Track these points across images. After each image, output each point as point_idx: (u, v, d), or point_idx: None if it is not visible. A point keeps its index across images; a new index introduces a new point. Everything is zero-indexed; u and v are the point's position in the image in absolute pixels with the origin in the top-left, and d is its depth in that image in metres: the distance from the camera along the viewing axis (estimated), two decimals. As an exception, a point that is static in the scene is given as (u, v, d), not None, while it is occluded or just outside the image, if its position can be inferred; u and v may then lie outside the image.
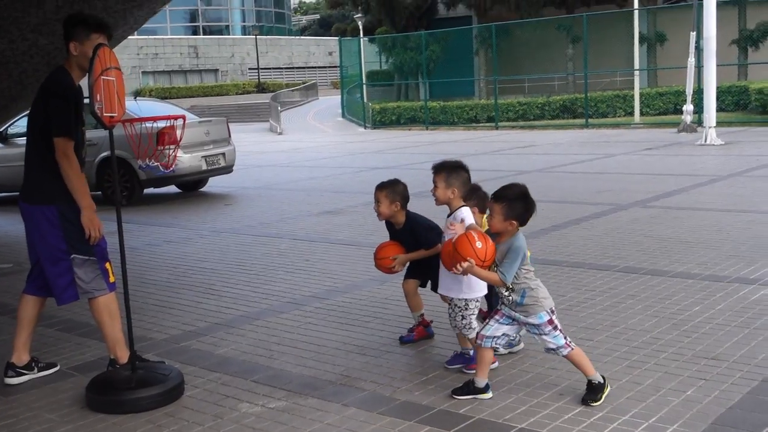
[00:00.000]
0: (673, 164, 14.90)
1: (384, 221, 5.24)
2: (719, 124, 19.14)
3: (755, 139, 19.24)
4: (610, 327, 5.31)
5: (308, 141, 28.05)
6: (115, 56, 4.43)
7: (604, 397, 4.07)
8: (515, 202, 4.04)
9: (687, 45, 22.72)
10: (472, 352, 4.66)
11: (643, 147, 18.64)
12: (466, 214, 4.55)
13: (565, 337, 4.10)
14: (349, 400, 4.28)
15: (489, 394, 4.20)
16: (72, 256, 4.56)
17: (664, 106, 28.98)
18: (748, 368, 4.44)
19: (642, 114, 27.74)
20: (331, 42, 73.67)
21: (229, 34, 76.89)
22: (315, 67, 75.10)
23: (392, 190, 5.02)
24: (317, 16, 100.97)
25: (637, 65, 28.76)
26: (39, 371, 4.93)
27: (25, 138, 13.83)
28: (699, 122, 22.16)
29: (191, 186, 14.37)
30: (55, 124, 4.45)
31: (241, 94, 59.89)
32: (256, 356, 5.09)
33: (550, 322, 4.07)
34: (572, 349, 4.10)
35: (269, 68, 69.96)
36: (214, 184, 14.93)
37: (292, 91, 54.27)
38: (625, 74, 34.93)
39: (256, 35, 67.30)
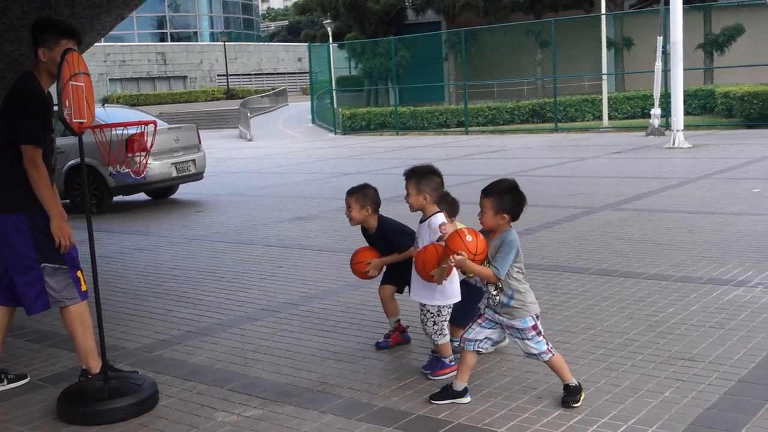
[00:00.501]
0: (643, 167, 15.01)
1: (359, 227, 5.20)
2: (686, 127, 19.32)
3: (722, 142, 19.46)
4: (586, 329, 5.31)
5: (278, 147, 27.94)
6: (84, 61, 4.36)
7: (582, 399, 4.06)
8: (505, 195, 4.02)
9: (653, 49, 22.96)
10: (447, 360, 4.64)
11: (612, 150, 18.78)
12: (441, 219, 4.53)
13: (547, 343, 4.09)
14: (327, 407, 4.24)
15: (467, 399, 4.17)
16: (42, 264, 4.47)
17: (632, 110, 29.25)
18: (724, 369, 4.45)
19: (610, 118, 27.96)
20: (300, 48, 73.51)
21: (197, 41, 76.45)
22: (284, 74, 74.87)
23: (362, 194, 4.99)
24: (286, 23, 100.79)
25: (605, 70, 28.99)
26: (9, 383, 4.83)
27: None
28: (667, 126, 22.39)
29: (161, 193, 14.24)
30: (22, 131, 4.36)
31: (210, 100, 59.57)
32: (231, 364, 5.03)
33: (535, 327, 4.05)
34: (553, 355, 4.08)
35: (238, 75, 69.66)
36: (184, 191, 14.80)
37: (262, 97, 54.05)
38: (593, 79, 35.20)
39: (224, 42, 66.97)
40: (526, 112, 30.88)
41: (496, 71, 36.41)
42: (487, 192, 4.04)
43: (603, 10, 28.58)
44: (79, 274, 4.63)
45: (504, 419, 3.95)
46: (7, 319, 4.76)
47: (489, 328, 4.13)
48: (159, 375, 4.84)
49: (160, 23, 76.66)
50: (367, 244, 5.20)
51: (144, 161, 4.57)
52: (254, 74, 72.54)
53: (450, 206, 4.71)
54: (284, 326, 5.82)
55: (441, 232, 4.21)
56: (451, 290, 4.54)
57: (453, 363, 4.61)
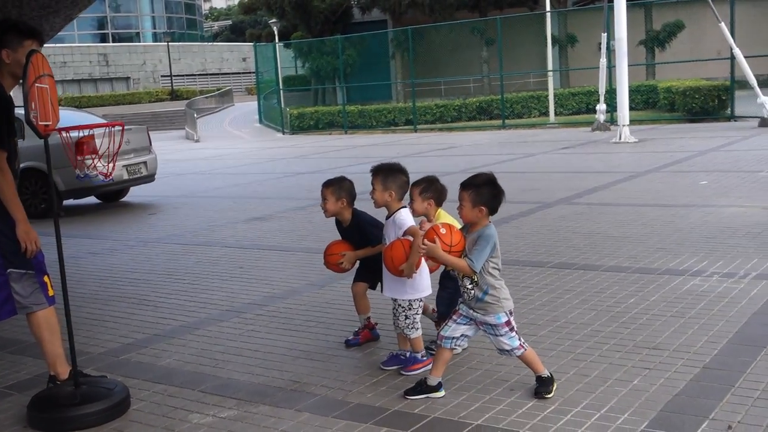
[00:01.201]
0: (592, 162, 15.26)
1: (334, 221, 5.22)
2: (631, 122, 19.67)
3: (666, 136, 19.86)
4: (551, 322, 5.40)
5: (227, 148, 27.75)
6: (48, 63, 4.31)
7: (554, 389, 4.13)
8: (482, 188, 4.07)
9: (596, 46, 23.37)
10: (408, 354, 4.69)
11: (560, 146, 19.03)
12: (405, 215, 4.59)
13: (519, 339, 4.15)
14: (302, 405, 4.25)
15: (441, 393, 4.22)
16: (8, 270, 4.39)
17: (577, 106, 29.69)
18: (689, 356, 4.57)
19: (556, 114, 28.34)
20: (245, 48, 73.09)
21: (139, 41, 75.48)
22: (229, 74, 74.35)
23: (339, 186, 5.01)
24: (229, 22, 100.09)
25: (550, 67, 29.36)
26: (-26, 391, 4.74)
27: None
28: (612, 121, 22.77)
29: (112, 196, 14.05)
30: None
31: (154, 101, 58.92)
32: (201, 366, 5.01)
33: (508, 323, 4.11)
34: (526, 349, 4.15)
35: (182, 75, 68.97)
36: (135, 194, 14.62)
37: (207, 97, 53.59)
38: (538, 75, 35.64)
39: (168, 42, 66.25)
40: (473, 109, 31.12)
41: (443, 69, 36.65)
42: (465, 185, 4.10)
43: (548, 7, 28.95)
44: (45, 278, 4.57)
45: (479, 412, 4.00)
46: None
47: (464, 324, 4.17)
48: (128, 379, 4.79)
49: (101, 24, 75.54)
50: (340, 238, 5.20)
51: (112, 163, 4.51)
52: (199, 75, 71.91)
53: (438, 193, 4.76)
54: (251, 327, 5.81)
55: (422, 229, 4.25)
56: (421, 284, 4.58)
57: (425, 358, 4.65)
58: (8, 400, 4.68)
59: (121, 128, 4.57)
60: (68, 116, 12.68)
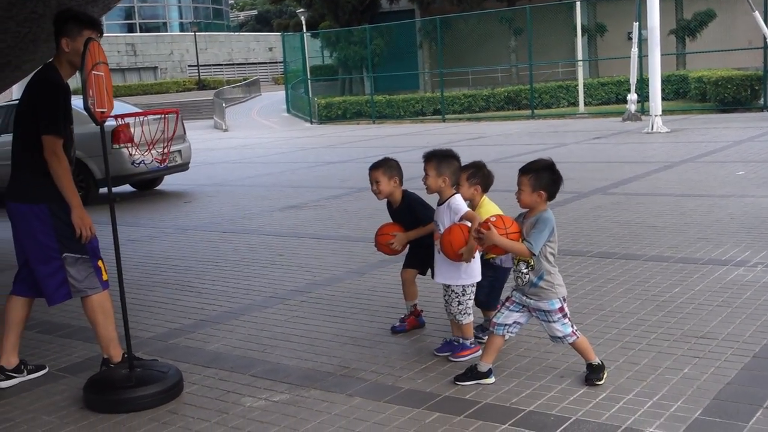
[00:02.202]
0: (625, 152, 15.18)
1: (385, 204, 5.23)
2: (662, 112, 19.52)
3: (698, 126, 19.71)
4: (596, 310, 5.41)
5: (256, 137, 27.86)
6: (103, 51, 4.37)
7: (605, 377, 4.15)
8: (542, 173, 4.09)
9: (626, 35, 23.17)
10: (462, 341, 4.71)
11: (591, 136, 18.95)
12: (460, 201, 4.61)
13: (572, 326, 4.16)
14: (353, 390, 4.29)
15: (491, 379, 4.25)
16: (64, 255, 4.48)
17: (607, 96, 29.48)
18: (738, 345, 4.56)
19: (585, 104, 28.17)
20: (271, 37, 73.24)
21: (166, 31, 75.83)
22: (255, 63, 74.51)
23: (387, 166, 5.05)
24: (255, 12, 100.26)
25: (579, 56, 29.18)
26: (28, 374, 4.83)
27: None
28: (643, 111, 22.64)
29: (147, 184, 14.18)
30: (44, 121, 4.36)
31: (181, 91, 59.21)
32: (250, 351, 5.07)
33: (561, 309, 4.12)
34: (578, 337, 4.16)
35: (209, 65, 69.23)
36: (169, 182, 14.75)
37: (234, 87, 53.78)
38: (567, 65, 35.42)
39: (195, 32, 66.52)
40: (502, 99, 31.01)
41: (471, 59, 36.52)
42: (524, 170, 4.12)
43: (577, -4, 28.73)
44: (100, 263, 4.65)
45: (531, 398, 4.02)
46: (26, 310, 4.76)
47: (517, 311, 4.19)
48: (178, 363, 4.85)
49: (129, 14, 75.92)
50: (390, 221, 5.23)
51: (167, 150, 4.57)
52: (225, 64, 72.13)
53: (485, 179, 4.80)
54: (295, 313, 5.86)
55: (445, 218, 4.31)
56: (475, 269, 4.61)
57: (474, 345, 4.68)
58: (62, 382, 4.77)
59: (176, 115, 4.63)
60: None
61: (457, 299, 4.62)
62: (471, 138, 21.05)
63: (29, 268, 4.62)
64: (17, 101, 4.70)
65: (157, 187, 14.43)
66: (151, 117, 4.70)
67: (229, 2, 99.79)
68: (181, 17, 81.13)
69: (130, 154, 4.42)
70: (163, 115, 4.48)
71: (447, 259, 4.53)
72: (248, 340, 5.28)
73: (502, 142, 19.28)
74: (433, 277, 4.85)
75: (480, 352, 4.62)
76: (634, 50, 22.53)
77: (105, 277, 4.64)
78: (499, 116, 29.08)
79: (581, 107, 27.65)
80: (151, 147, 4.55)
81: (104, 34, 4.76)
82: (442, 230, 4.55)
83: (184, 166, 13.93)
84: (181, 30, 76.71)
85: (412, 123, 30.12)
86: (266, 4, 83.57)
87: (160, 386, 4.31)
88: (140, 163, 4.51)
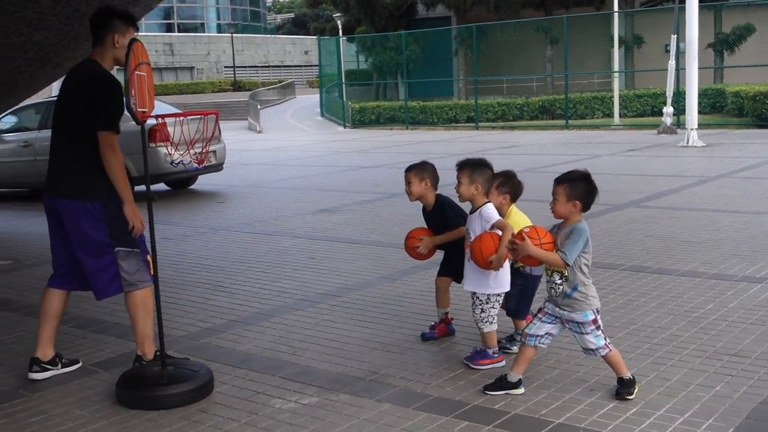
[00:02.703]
0: (659, 165, 15.07)
1: (421, 208, 5.25)
2: (698, 126, 19.36)
3: (735, 141, 19.51)
4: (628, 324, 5.38)
5: (289, 140, 28.01)
6: (146, 51, 4.43)
7: (636, 392, 4.13)
8: (577, 183, 4.09)
9: (663, 48, 23.01)
10: (483, 348, 4.71)
11: (626, 148, 18.83)
12: (492, 209, 4.61)
13: (605, 338, 4.15)
14: (382, 395, 4.31)
15: (521, 390, 4.24)
16: (116, 249, 4.55)
17: (642, 108, 29.30)
18: (771, 364, 4.52)
19: (620, 116, 28.00)
20: (307, 41, 73.60)
21: (204, 32, 76.48)
22: (291, 66, 74.90)
23: (421, 168, 5.08)
24: (292, 15, 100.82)
25: (616, 67, 29.03)
26: (63, 367, 4.89)
27: (12, 133, 13.49)
28: (678, 124, 22.46)
29: (181, 183, 14.31)
30: (102, 117, 4.44)
31: (217, 92, 59.64)
32: (280, 353, 5.10)
33: (594, 321, 4.11)
34: (611, 350, 4.14)
35: (245, 66, 69.69)
36: (203, 182, 14.88)
37: (269, 89, 54.10)
38: (602, 76, 35.26)
39: (232, 33, 67.00)
40: (536, 108, 30.93)
41: (506, 67, 36.50)
42: (559, 180, 4.13)
43: (615, 7, 28.58)
44: (148, 258, 4.73)
45: (560, 410, 4.01)
46: (63, 303, 4.84)
47: (549, 323, 4.18)
48: (209, 362, 4.89)
49: (168, 13, 76.71)
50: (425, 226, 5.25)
51: (205, 150, 4.62)
52: (261, 66, 72.56)
53: (514, 189, 4.81)
54: (326, 316, 5.89)
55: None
56: (504, 279, 4.61)
57: (496, 355, 4.68)
58: (95, 377, 4.83)
59: (215, 116, 4.68)
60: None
61: (480, 306, 4.62)
62: (504, 147, 21.00)
63: (72, 263, 4.69)
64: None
65: (191, 187, 14.56)
66: (189, 117, 4.74)
67: (267, 5, 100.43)
68: (218, 18, 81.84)
69: (169, 154, 4.47)
70: (202, 116, 4.52)
71: (476, 267, 4.54)
72: (278, 342, 5.32)
73: (535, 151, 19.22)
74: (462, 283, 4.86)
75: (503, 362, 4.63)
76: (672, 63, 22.39)
77: (152, 272, 4.71)
78: (532, 125, 28.99)
79: (616, 119, 27.48)
80: (190, 147, 4.60)
81: (142, 33, 4.85)
82: (473, 238, 4.56)
83: (218, 167, 14.03)
84: (219, 31, 77.36)
85: (445, 130, 30.12)
86: (303, 8, 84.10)
87: (191, 385, 4.36)
88: (179, 162, 4.55)
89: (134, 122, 4.31)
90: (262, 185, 14.57)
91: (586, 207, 4.13)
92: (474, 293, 4.68)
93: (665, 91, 23.09)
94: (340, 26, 42.11)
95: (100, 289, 4.64)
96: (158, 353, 4.74)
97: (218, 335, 5.56)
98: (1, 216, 11.86)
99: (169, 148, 4.72)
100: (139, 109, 4.26)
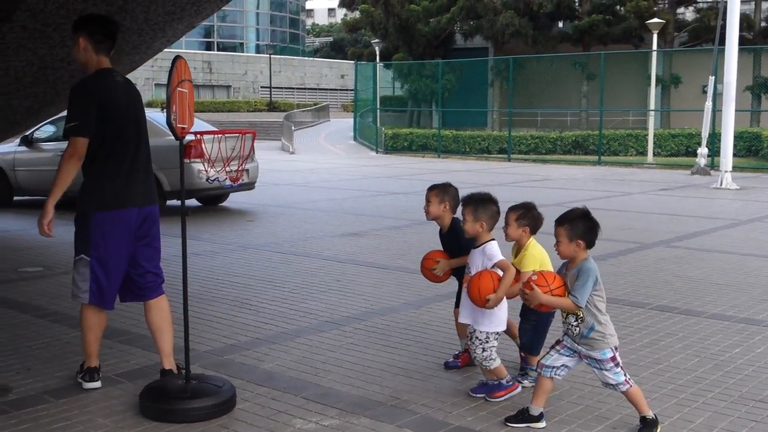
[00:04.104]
0: (692, 206, 14.97)
1: (438, 231, 5.27)
2: (732, 168, 19.21)
3: (770, 185, 19.35)
4: (653, 364, 5.34)
5: (321, 162, 28.16)
6: (189, 68, 4.51)
7: None
8: (577, 221, 4.11)
9: (700, 88, 22.94)
10: (497, 381, 4.68)
11: (658, 187, 18.74)
12: (495, 248, 4.60)
13: (625, 374, 4.13)
14: (403, 421, 4.31)
15: (543, 424, 4.23)
16: None
17: (676, 148, 29.16)
18: (797, 413, 4.47)
19: (654, 154, 27.89)
20: (344, 65, 74.14)
21: (243, 52, 77.34)
22: (326, 89, 75.44)
23: (442, 190, 5.09)
24: (330, 39, 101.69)
25: (652, 106, 28.94)
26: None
27: (50, 142, 13.68)
28: (712, 166, 22.32)
29: (212, 200, 14.44)
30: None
31: (252, 111, 60.11)
32: (303, 373, 5.12)
33: (613, 359, 4.10)
34: (631, 386, 4.13)
35: (281, 87, 70.28)
36: (233, 200, 14.99)
37: (304, 111, 54.49)
38: (637, 114, 35.17)
39: (270, 54, 67.67)
40: (569, 143, 30.88)
41: (541, 100, 36.52)
42: (559, 221, 4.17)
43: (654, 46, 28.54)
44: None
45: (580, 446, 4.00)
46: (105, 315, 4.90)
47: (567, 356, 4.18)
48: (232, 378, 4.92)
49: (208, 32, 77.77)
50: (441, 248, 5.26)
51: (240, 168, 4.69)
52: (297, 88, 73.14)
53: (534, 221, 4.79)
54: (350, 339, 5.91)
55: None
56: (500, 317, 4.60)
57: (510, 384, 4.66)
58: (119, 387, 4.88)
59: (252, 136, 4.75)
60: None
61: (481, 346, 4.59)
62: (536, 180, 20.97)
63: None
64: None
65: (221, 204, 14.68)
66: (227, 135, 4.82)
67: (306, 28, 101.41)
68: (258, 39, 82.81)
69: (205, 171, 4.53)
70: (240, 135, 4.59)
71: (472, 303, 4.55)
72: (302, 363, 5.34)
73: (567, 186, 19.18)
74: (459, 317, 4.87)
75: (519, 389, 4.62)
76: (708, 104, 22.28)
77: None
78: (565, 160, 28.94)
79: (650, 157, 27.38)
80: (226, 165, 4.66)
81: (182, 50, 4.94)
82: (473, 273, 4.56)
83: (250, 185, 14.15)
84: (257, 51, 78.22)
85: (477, 160, 30.14)
86: (342, 32, 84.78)
87: (214, 400, 4.39)
88: (215, 179, 4.61)
89: (173, 137, 4.38)
90: (292, 206, 14.66)
91: (589, 245, 4.14)
92: (473, 331, 4.64)
93: (700, 132, 22.97)
94: (377, 52, 42.42)
95: (150, 289, 4.84)
96: (179, 367, 4.80)
97: (242, 352, 5.60)
98: (35, 224, 11.99)
99: (205, 164, 4.74)
100: (178, 125, 4.33)
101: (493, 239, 4.64)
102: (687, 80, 34.30)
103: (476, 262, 4.64)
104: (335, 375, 5.09)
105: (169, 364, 4.79)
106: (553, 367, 4.20)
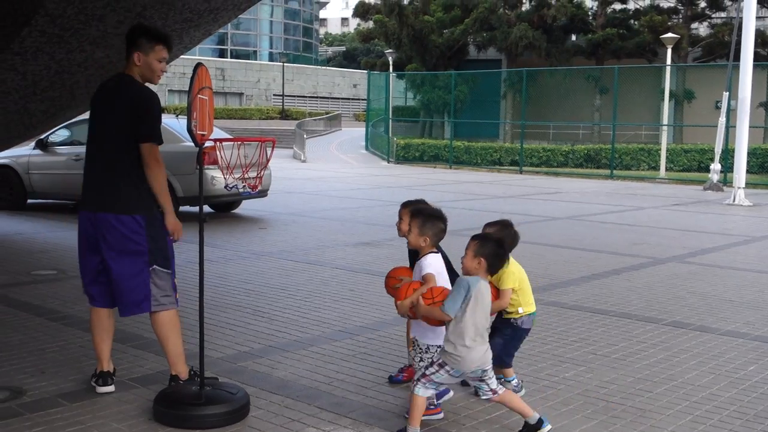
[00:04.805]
0: (704, 222, 14.92)
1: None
2: (745, 185, 19.15)
3: (783, 202, 19.27)
4: (667, 380, 5.31)
5: (333, 171, 28.20)
6: (210, 76, 4.53)
7: None
8: (488, 243, 4.16)
9: (713, 104, 22.90)
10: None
11: (671, 202, 18.69)
12: (430, 261, 4.55)
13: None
14: (416, 433, 4.29)
15: (548, 426, 4.22)
16: (153, 267, 4.62)
17: (689, 163, 29.10)
18: (814, 432, 4.44)
19: (666, 169, 27.83)
20: (357, 74, 74.29)
21: (256, 59, 77.59)
22: (338, 98, 75.58)
23: (416, 209, 5.03)
24: (343, 48, 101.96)
25: (665, 121, 28.89)
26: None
27: (65, 146, 13.67)
28: (725, 182, 22.25)
29: (224, 207, 14.47)
30: (144, 128, 4.54)
31: (264, 119, 60.24)
32: (316, 382, 5.12)
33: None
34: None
35: (293, 96, 70.45)
36: (245, 207, 15.02)
37: (316, 120, 54.60)
38: (650, 128, 35.11)
39: (283, 62, 67.88)
40: (581, 156, 30.85)
41: (553, 113, 36.50)
42: (474, 236, 4.26)
43: (668, 61, 28.51)
44: (175, 281, 4.79)
45: (595, 462, 3.97)
46: (113, 319, 4.90)
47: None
48: (246, 386, 4.92)
49: (222, 39, 78.05)
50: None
51: (260, 176, 4.70)
52: (309, 97, 73.31)
53: (510, 239, 4.77)
54: (363, 349, 5.90)
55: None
56: (442, 331, 4.51)
57: (433, 407, 4.57)
58: (133, 392, 4.88)
59: (272, 143, 4.77)
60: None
61: (419, 354, 4.57)
62: (547, 192, 20.94)
63: (107, 279, 4.72)
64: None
65: (233, 211, 14.71)
66: (246, 143, 4.83)
67: (319, 37, 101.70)
68: (271, 47, 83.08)
69: (224, 178, 4.54)
70: (259, 143, 4.60)
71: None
72: (315, 371, 5.34)
73: (578, 199, 19.14)
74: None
75: (440, 415, 4.54)
76: (722, 120, 22.24)
77: (177, 295, 4.79)
78: (576, 173, 28.91)
79: (662, 172, 27.32)
80: (245, 172, 4.68)
81: (196, 57, 4.95)
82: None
83: (263, 193, 14.17)
84: (270, 59, 78.44)
85: (489, 172, 30.13)
86: (355, 42, 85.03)
87: (227, 407, 4.39)
88: (233, 187, 4.62)
89: (193, 143, 4.39)
90: (304, 214, 14.68)
91: (490, 266, 4.16)
92: (416, 341, 4.62)
93: (713, 148, 22.94)
94: (390, 62, 42.50)
95: (129, 305, 4.68)
96: (192, 372, 4.80)
97: (255, 360, 5.60)
98: (48, 227, 12.08)
99: (224, 172, 4.75)
100: (198, 132, 4.35)
101: (432, 251, 4.60)
102: (700, 95, 34.25)
103: (415, 273, 4.64)
104: (349, 384, 5.08)
105: (174, 369, 4.80)
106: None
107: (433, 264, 4.53)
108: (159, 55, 4.67)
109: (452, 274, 4.85)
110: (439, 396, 4.63)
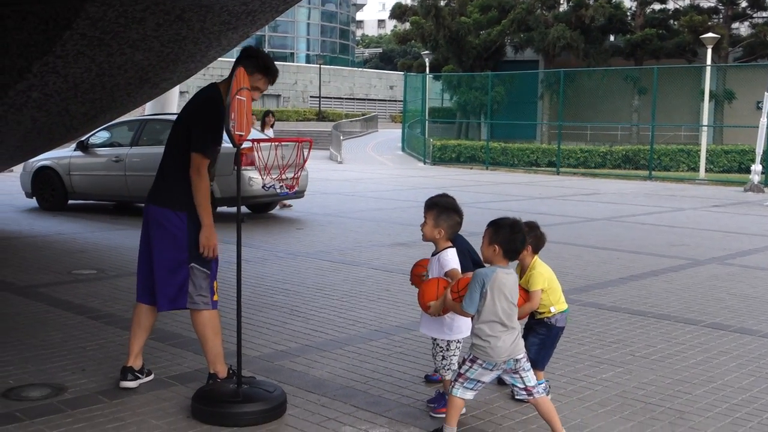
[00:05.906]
0: (744, 223, 14.72)
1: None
2: (786, 186, 18.90)
3: (826, 204, 18.94)
4: (706, 382, 5.26)
5: (369, 172, 28.25)
6: (248, 78, 4.57)
7: None
8: (502, 229, 4.11)
9: (755, 104, 22.59)
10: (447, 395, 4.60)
11: (710, 203, 18.47)
12: (451, 256, 4.56)
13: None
14: (452, 432, 4.30)
15: (593, 439, 4.19)
16: (191, 264, 4.69)
17: (729, 164, 28.74)
18: None
19: (706, 170, 27.50)
20: (393, 76, 74.38)
21: (293, 61, 78.00)
22: (375, 100, 75.73)
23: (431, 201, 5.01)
24: (379, 50, 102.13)
25: (705, 121, 28.55)
26: (145, 376, 5.03)
27: (105, 148, 13.88)
28: (766, 183, 21.94)
29: (261, 207, 14.57)
30: (195, 139, 4.63)
31: (301, 120, 60.56)
32: (352, 381, 5.14)
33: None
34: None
35: (330, 97, 70.73)
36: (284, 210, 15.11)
37: (353, 121, 54.76)
38: (689, 129, 34.72)
39: (320, 64, 68.16)
40: (619, 157, 30.60)
41: (591, 114, 36.24)
42: (489, 224, 4.20)
43: (708, 61, 28.17)
44: (215, 284, 4.84)
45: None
46: (152, 318, 4.97)
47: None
48: (282, 384, 4.96)
49: (259, 41, 78.67)
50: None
51: (296, 176, 4.74)
52: (346, 98, 73.54)
53: (536, 240, 4.76)
54: (399, 349, 5.92)
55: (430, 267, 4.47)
56: (460, 325, 4.56)
57: (435, 405, 4.59)
58: (171, 389, 4.94)
59: (309, 143, 4.80)
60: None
61: (441, 353, 4.59)
62: (584, 194, 20.80)
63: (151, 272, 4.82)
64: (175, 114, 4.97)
65: (270, 212, 14.80)
66: (284, 144, 4.87)
67: (356, 39, 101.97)
68: (308, 49, 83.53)
69: (261, 178, 4.59)
70: (297, 143, 4.63)
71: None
72: (351, 370, 5.36)
73: (616, 200, 18.98)
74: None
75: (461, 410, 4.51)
76: (763, 120, 21.94)
77: (216, 297, 4.84)
78: (614, 174, 28.67)
79: (702, 173, 27.00)
80: (283, 172, 4.71)
81: (232, 59, 4.97)
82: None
83: (300, 194, 14.26)
84: (307, 61, 78.89)
85: (525, 173, 30.00)
86: (392, 44, 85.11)
87: (264, 405, 4.43)
88: (271, 187, 4.66)
89: (231, 144, 4.44)
90: (341, 215, 14.73)
91: (507, 252, 4.10)
92: (434, 340, 4.62)
93: (754, 149, 22.63)
94: (427, 64, 42.49)
95: (165, 302, 4.75)
96: (231, 371, 4.85)
97: (292, 359, 5.64)
98: (88, 227, 12.25)
99: (262, 172, 4.81)
100: (236, 132, 4.39)
101: (450, 246, 4.59)
102: (741, 96, 33.80)
103: (433, 269, 4.63)
104: (385, 384, 5.10)
105: (213, 368, 4.85)
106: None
107: (454, 259, 4.55)
108: (257, 85, 4.74)
109: (476, 265, 4.85)
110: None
